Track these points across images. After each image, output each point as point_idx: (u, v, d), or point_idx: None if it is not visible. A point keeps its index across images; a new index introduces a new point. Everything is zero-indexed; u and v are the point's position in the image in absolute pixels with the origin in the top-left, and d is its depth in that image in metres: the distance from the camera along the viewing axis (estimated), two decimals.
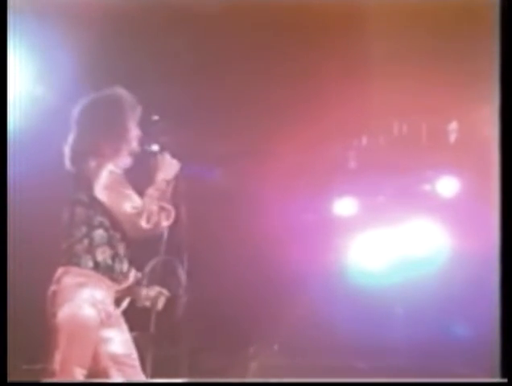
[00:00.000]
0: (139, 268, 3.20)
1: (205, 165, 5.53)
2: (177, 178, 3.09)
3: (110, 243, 2.97)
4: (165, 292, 3.19)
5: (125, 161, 3.06)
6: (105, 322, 2.94)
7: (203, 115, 5.27)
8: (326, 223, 6.29)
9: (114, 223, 2.94)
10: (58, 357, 2.76)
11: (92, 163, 2.94)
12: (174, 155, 3.44)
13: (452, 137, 5.83)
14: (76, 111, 3.01)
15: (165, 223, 3.04)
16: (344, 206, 6.32)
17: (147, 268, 4.36)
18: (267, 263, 5.79)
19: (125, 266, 3.05)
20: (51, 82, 4.49)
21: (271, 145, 5.49)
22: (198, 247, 5.24)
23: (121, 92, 3.08)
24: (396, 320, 6.11)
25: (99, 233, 2.95)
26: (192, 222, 5.19)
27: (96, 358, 2.90)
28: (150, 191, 3.02)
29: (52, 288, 2.88)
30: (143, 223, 2.92)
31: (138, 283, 3.14)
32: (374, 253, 6.23)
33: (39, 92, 4.55)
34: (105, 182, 2.91)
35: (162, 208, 3.03)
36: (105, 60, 4.58)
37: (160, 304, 3.19)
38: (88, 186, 2.95)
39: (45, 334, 2.77)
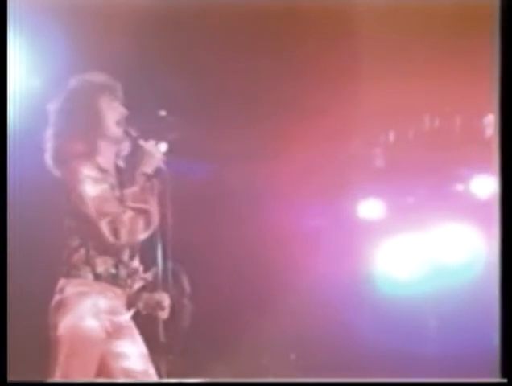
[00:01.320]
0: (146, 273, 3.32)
1: (214, 164, 5.81)
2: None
3: (110, 251, 3.00)
4: (167, 298, 3.20)
5: (105, 159, 3.02)
6: (113, 334, 3.00)
7: (213, 112, 5.61)
8: (350, 227, 6.48)
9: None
10: (58, 371, 2.86)
11: (70, 166, 2.94)
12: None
13: (488, 132, 5.92)
14: (50, 106, 3.04)
15: (142, 231, 2.96)
16: (370, 208, 6.51)
17: (149, 276, 4.68)
18: (286, 271, 6.06)
19: (132, 272, 3.10)
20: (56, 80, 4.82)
21: (286, 142, 5.73)
22: (206, 251, 5.62)
23: (93, 77, 3.08)
24: (428, 333, 6.22)
25: (94, 243, 2.96)
26: (200, 225, 5.59)
27: (109, 374, 2.99)
28: (126, 191, 2.96)
29: (55, 298, 2.97)
30: (110, 237, 2.89)
31: (145, 289, 3.22)
32: (403, 260, 6.40)
33: (41, 90, 4.91)
34: (82, 188, 2.91)
35: (139, 212, 2.95)
36: (110, 56, 4.92)
37: (166, 311, 3.22)
38: (69, 193, 2.97)
39: (46, 347, 2.95)
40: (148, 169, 3.04)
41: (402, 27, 4.86)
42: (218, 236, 5.79)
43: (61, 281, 2.98)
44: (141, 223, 2.96)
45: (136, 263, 3.14)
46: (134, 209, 2.94)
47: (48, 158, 3.03)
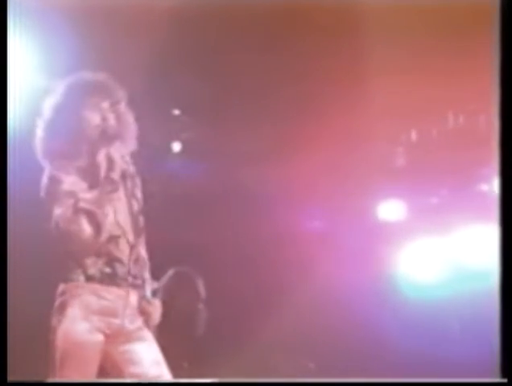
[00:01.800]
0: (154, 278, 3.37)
1: (228, 164, 5.90)
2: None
3: (98, 251, 3.05)
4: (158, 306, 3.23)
5: (85, 160, 3.08)
6: (117, 337, 3.05)
7: (228, 111, 5.74)
8: (370, 229, 6.55)
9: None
10: (54, 375, 2.93)
11: (51, 165, 3.04)
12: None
13: None
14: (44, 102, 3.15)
15: (92, 233, 2.97)
16: (391, 209, 6.58)
17: (161, 282, 4.79)
18: (306, 273, 6.14)
19: (133, 268, 3.13)
20: None
21: (304, 142, 5.84)
22: (220, 254, 5.73)
23: (83, 76, 3.16)
24: (450, 336, 6.19)
25: (73, 244, 2.99)
26: (212, 226, 5.70)
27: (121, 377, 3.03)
28: (86, 194, 3.00)
29: (55, 303, 3.03)
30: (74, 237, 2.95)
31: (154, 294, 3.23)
32: (426, 263, 6.44)
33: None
34: (50, 189, 3.01)
35: (87, 214, 2.98)
36: (122, 56, 5.07)
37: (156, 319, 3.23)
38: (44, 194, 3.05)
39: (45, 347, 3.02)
40: (114, 174, 3.10)
41: (421, 24, 4.95)
42: (233, 237, 5.88)
43: (60, 286, 3.08)
44: (85, 224, 2.97)
45: (141, 263, 3.21)
46: (80, 211, 2.96)
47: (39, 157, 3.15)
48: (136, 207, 3.25)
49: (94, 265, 3.07)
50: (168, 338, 3.92)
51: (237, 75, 5.32)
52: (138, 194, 3.30)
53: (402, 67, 5.36)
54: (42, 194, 3.06)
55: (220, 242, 5.77)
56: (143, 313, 3.17)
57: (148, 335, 3.18)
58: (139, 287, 3.19)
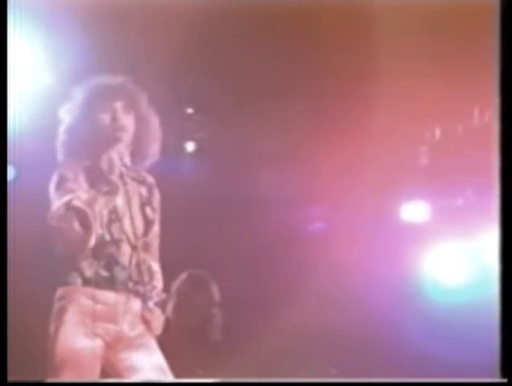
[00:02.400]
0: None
1: (243, 164, 6.04)
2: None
3: (95, 253, 3.14)
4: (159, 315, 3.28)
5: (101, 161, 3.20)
6: (116, 344, 3.14)
7: (243, 111, 5.89)
8: (394, 231, 6.61)
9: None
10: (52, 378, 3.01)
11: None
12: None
13: None
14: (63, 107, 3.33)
15: (82, 234, 3.02)
16: (415, 211, 6.62)
17: (174, 286, 4.87)
18: (326, 276, 6.17)
19: (135, 274, 3.21)
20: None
21: (323, 141, 5.95)
22: (234, 256, 5.81)
23: (101, 80, 3.31)
24: (479, 343, 5.96)
25: (68, 246, 3.10)
26: (228, 228, 5.78)
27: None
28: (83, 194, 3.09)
29: (53, 308, 3.14)
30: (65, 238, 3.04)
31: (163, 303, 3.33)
32: (452, 266, 6.46)
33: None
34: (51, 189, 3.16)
35: (77, 213, 3.02)
36: (134, 56, 5.22)
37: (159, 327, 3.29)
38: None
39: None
40: (112, 176, 3.18)
41: (440, 24, 5.04)
42: (249, 238, 5.98)
43: (58, 290, 3.20)
44: (75, 223, 3.03)
45: (145, 269, 3.29)
46: (71, 208, 3.03)
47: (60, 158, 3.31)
48: (147, 211, 3.33)
49: (91, 268, 3.14)
50: (182, 343, 3.95)
51: (251, 76, 5.44)
52: (151, 198, 3.39)
53: (423, 65, 5.44)
54: (50, 192, 3.17)
55: (234, 244, 5.85)
56: (144, 321, 3.23)
57: (150, 342, 3.25)
58: (141, 294, 3.25)
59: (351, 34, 4.95)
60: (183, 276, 4.98)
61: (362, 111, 5.77)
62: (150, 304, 3.23)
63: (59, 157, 3.30)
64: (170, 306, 4.48)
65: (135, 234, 3.26)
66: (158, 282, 3.36)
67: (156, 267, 3.39)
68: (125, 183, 3.20)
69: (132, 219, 3.25)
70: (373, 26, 4.97)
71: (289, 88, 5.64)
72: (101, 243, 3.15)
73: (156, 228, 3.40)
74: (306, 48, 5.33)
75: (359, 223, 6.57)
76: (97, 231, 3.06)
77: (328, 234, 6.44)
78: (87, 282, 3.13)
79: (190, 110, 5.90)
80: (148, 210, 3.35)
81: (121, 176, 3.20)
